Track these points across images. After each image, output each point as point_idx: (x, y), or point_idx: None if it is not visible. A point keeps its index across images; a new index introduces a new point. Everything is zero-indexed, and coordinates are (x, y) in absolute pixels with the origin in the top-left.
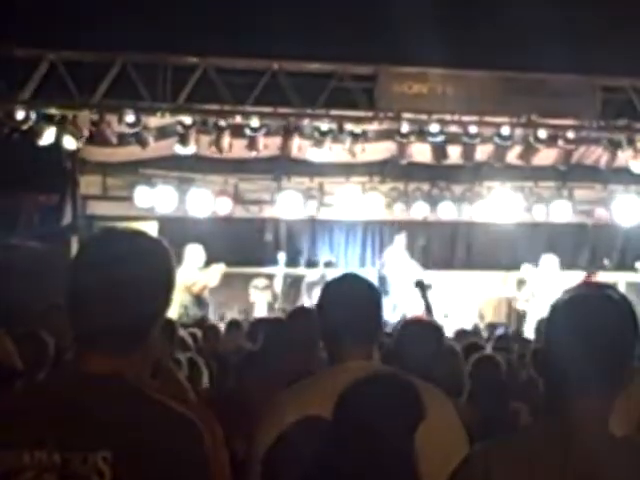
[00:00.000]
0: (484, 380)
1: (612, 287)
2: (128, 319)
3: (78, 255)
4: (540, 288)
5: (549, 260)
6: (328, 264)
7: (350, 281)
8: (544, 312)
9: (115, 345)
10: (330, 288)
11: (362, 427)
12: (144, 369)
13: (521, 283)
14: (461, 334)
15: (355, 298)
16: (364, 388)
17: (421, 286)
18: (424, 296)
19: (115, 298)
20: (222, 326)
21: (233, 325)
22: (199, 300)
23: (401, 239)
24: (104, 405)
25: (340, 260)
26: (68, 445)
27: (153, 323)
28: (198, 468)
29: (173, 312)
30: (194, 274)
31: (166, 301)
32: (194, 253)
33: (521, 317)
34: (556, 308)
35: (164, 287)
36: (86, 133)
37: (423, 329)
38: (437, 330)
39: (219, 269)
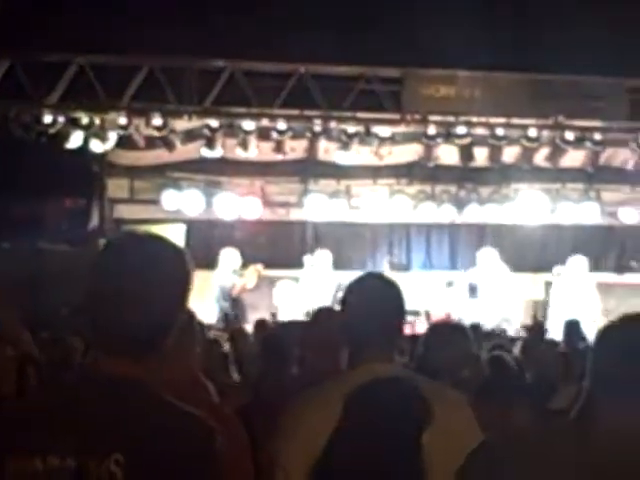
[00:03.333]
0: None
1: None
2: (145, 323)
3: (97, 259)
4: (567, 290)
5: (577, 261)
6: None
7: (372, 282)
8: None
9: (131, 349)
10: (352, 288)
11: (366, 430)
12: (180, 374)
13: (548, 285)
14: (487, 336)
15: (376, 299)
16: (368, 392)
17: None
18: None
19: (132, 302)
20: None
21: (259, 326)
22: (236, 303)
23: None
24: (118, 408)
25: (367, 263)
26: (82, 448)
27: (170, 328)
28: (211, 473)
29: (211, 316)
30: (231, 277)
31: (183, 306)
32: (229, 256)
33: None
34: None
35: (181, 292)
36: (114, 137)
37: (450, 332)
38: (464, 333)
39: (257, 270)
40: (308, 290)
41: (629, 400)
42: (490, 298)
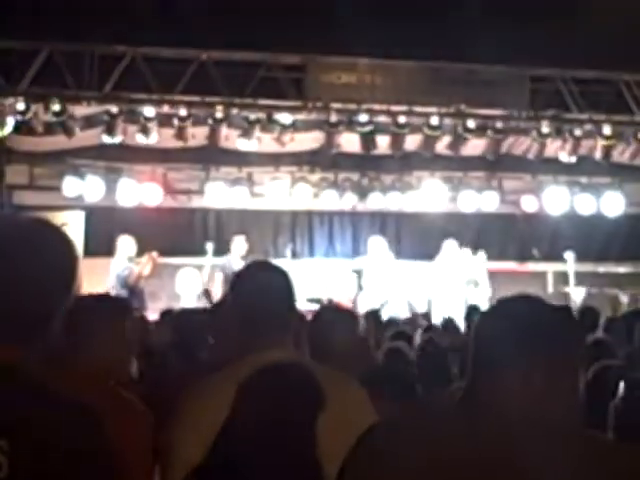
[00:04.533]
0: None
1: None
2: (24, 309)
3: None
4: (446, 273)
5: (450, 245)
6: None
7: (261, 269)
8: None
9: (11, 335)
10: (241, 277)
11: (258, 417)
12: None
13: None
14: (390, 323)
15: (262, 287)
16: (260, 379)
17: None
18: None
19: (9, 288)
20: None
21: (166, 315)
22: (134, 291)
23: (381, 241)
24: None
25: (269, 251)
26: None
27: (52, 314)
28: (98, 458)
29: None
30: (127, 265)
31: (67, 291)
32: (126, 244)
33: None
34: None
35: (63, 277)
36: (11, 122)
37: (338, 316)
38: (352, 318)
39: (152, 257)
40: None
41: (507, 377)
42: (376, 284)
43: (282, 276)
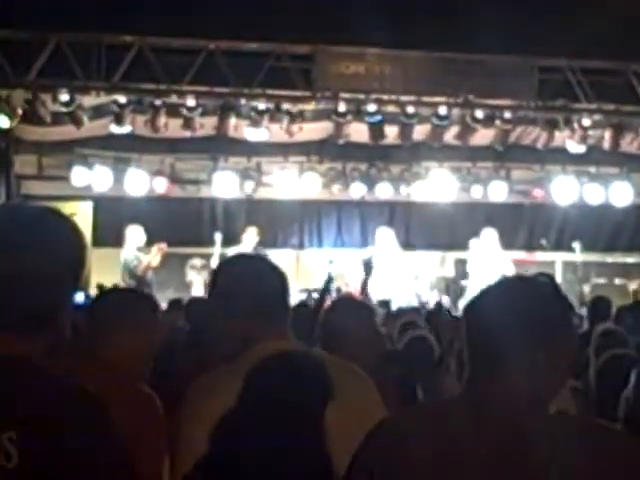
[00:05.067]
0: (416, 358)
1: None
2: (31, 302)
3: None
4: (481, 263)
5: (489, 234)
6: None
7: (240, 261)
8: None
9: (18, 328)
10: (219, 270)
11: (267, 406)
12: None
13: (458, 263)
14: (399, 313)
15: (260, 279)
16: (265, 369)
17: (367, 266)
18: (366, 276)
19: (17, 278)
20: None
21: (174, 305)
22: (143, 281)
23: (389, 232)
24: (7, 386)
25: (278, 241)
26: None
27: (60, 305)
28: (107, 448)
29: None
30: (136, 255)
31: (75, 281)
32: (135, 234)
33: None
34: (487, 290)
35: (72, 267)
36: (20, 112)
37: (353, 307)
38: (368, 309)
39: (161, 248)
40: None
41: (505, 362)
42: (384, 275)
43: (274, 269)
